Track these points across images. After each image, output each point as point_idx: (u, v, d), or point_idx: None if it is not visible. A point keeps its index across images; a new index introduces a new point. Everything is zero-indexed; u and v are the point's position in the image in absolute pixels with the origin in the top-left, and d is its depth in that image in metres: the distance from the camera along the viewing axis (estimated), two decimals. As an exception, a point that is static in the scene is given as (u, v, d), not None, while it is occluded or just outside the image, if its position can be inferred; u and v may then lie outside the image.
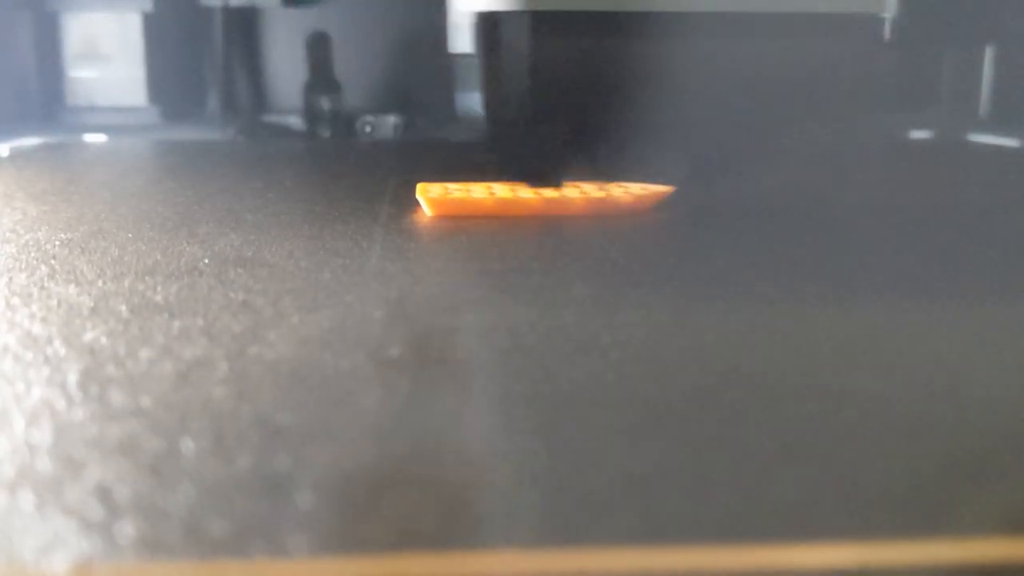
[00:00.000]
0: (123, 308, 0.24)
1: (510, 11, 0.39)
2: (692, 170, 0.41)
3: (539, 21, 0.39)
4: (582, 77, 0.39)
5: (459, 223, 0.36)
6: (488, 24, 0.41)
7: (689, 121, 0.40)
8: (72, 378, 0.19)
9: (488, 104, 0.43)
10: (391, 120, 0.72)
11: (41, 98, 0.73)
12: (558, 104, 0.40)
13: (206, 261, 0.29)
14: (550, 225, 0.36)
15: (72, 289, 0.26)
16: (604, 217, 0.38)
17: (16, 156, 0.56)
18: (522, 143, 0.41)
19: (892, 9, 0.42)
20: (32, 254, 0.30)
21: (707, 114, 0.40)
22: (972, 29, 0.73)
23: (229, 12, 0.75)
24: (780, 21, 0.40)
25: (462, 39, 0.52)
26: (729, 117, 0.41)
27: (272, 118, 0.75)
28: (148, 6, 0.72)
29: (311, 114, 0.73)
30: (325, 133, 0.72)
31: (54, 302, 0.25)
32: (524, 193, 0.38)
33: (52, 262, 0.29)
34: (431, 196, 0.38)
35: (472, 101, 0.53)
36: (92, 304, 0.24)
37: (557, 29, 0.39)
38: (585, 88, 0.40)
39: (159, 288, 0.26)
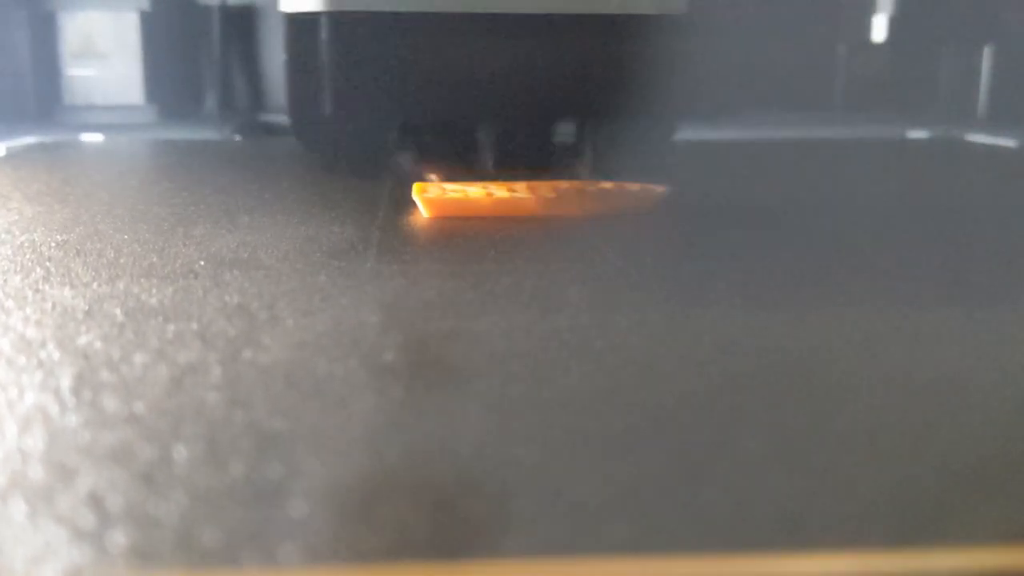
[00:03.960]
0: (117, 311, 0.24)
1: (314, 12, 0.41)
2: (504, 166, 0.42)
3: (342, 22, 0.40)
4: (389, 76, 0.40)
5: (456, 224, 0.36)
6: (294, 25, 0.42)
7: (497, 119, 0.41)
8: (65, 383, 0.19)
9: (295, 100, 0.44)
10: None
11: (37, 97, 0.73)
12: (366, 102, 0.41)
13: (202, 263, 0.29)
14: (547, 226, 0.36)
15: (67, 292, 0.26)
16: (602, 218, 0.38)
17: (12, 155, 0.56)
18: (332, 139, 0.42)
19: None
20: (27, 256, 0.30)
21: (516, 112, 0.41)
22: (970, 28, 0.73)
23: (227, 11, 0.74)
24: (584, 22, 0.41)
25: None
26: (539, 115, 0.42)
27: (269, 117, 0.75)
28: (145, 5, 0.72)
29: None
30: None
31: (48, 305, 0.25)
32: (521, 194, 0.38)
33: (47, 264, 0.29)
34: (428, 197, 0.38)
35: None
36: (87, 307, 0.24)
37: (360, 30, 0.40)
38: (392, 88, 0.41)
39: (154, 291, 0.26)
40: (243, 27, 0.77)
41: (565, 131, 0.44)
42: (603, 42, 0.40)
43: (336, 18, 0.40)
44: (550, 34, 0.40)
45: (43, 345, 0.22)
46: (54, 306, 0.25)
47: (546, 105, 0.41)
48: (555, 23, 0.40)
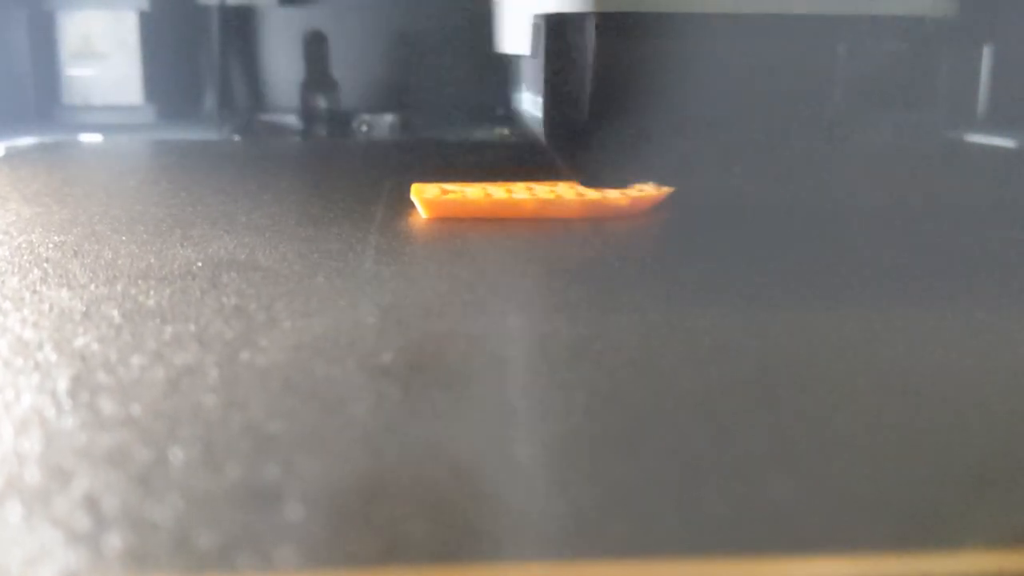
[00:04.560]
0: (115, 313, 0.24)
1: (577, 13, 0.40)
2: (739, 173, 0.41)
3: (606, 23, 0.40)
4: (647, 79, 0.40)
5: (454, 225, 0.36)
6: (553, 25, 0.42)
7: (751, 124, 0.41)
8: (62, 385, 0.19)
9: (551, 105, 0.43)
10: (388, 119, 0.72)
11: (37, 97, 0.73)
12: (623, 106, 0.40)
13: (199, 264, 0.29)
14: (546, 227, 0.36)
15: (64, 293, 0.26)
16: (600, 219, 0.38)
17: (11, 156, 0.56)
18: (586, 145, 0.41)
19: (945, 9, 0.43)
20: (25, 257, 0.30)
21: (771, 117, 0.41)
22: (970, 28, 0.73)
23: (226, 11, 0.74)
24: (841, 24, 0.40)
25: (511, 39, 0.52)
26: (788, 121, 0.41)
27: (268, 117, 0.75)
28: (144, 5, 0.72)
29: (307, 113, 0.73)
30: (321, 132, 0.72)
31: (46, 306, 0.25)
32: (520, 195, 0.38)
33: (45, 265, 0.29)
34: (426, 198, 0.38)
35: (525, 102, 0.54)
36: (84, 309, 0.24)
37: (624, 31, 0.39)
38: (650, 90, 0.40)
39: (151, 292, 0.26)
40: (243, 27, 0.77)
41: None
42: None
43: (600, 19, 0.39)
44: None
45: (40, 347, 0.22)
46: (51, 307, 0.25)
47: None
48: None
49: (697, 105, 0.40)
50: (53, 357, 0.21)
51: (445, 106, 0.76)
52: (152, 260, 0.30)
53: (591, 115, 0.40)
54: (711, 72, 0.39)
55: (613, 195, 0.39)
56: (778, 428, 0.18)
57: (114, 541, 0.13)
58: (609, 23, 0.39)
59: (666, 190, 0.40)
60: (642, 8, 0.39)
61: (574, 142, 0.41)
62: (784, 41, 0.40)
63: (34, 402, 0.18)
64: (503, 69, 0.68)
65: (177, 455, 0.16)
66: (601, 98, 0.40)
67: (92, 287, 0.26)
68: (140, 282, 0.27)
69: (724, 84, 0.40)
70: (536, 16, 0.44)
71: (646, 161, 0.41)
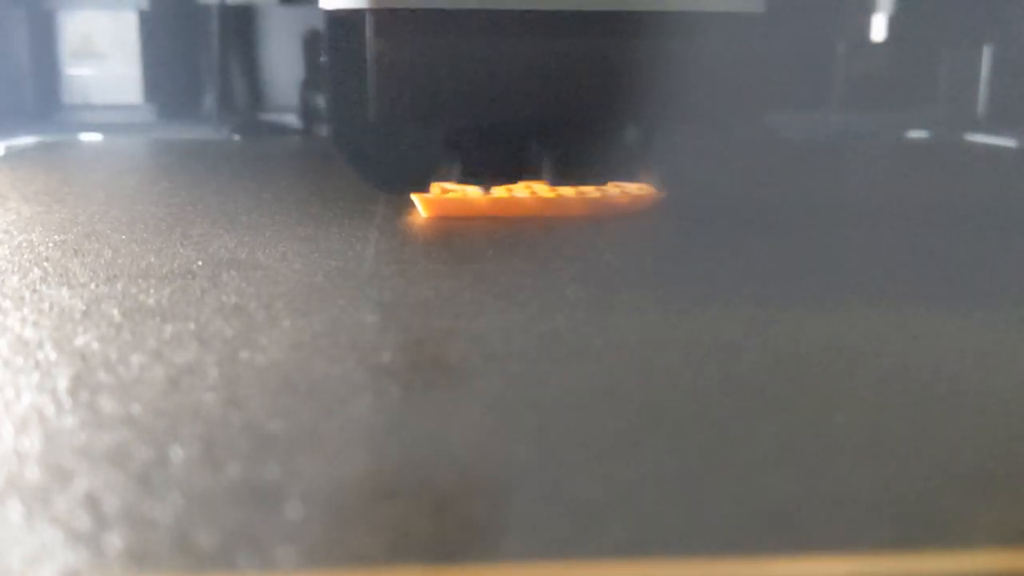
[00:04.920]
0: (115, 312, 0.24)
1: (354, 8, 0.39)
2: (557, 172, 0.40)
3: (383, 20, 0.38)
4: (434, 78, 0.38)
5: (454, 224, 0.36)
6: (335, 24, 0.40)
7: (548, 121, 0.40)
8: (62, 384, 0.19)
9: (336, 106, 0.42)
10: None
11: (37, 96, 0.73)
12: (407, 106, 0.39)
13: (199, 263, 0.29)
14: (546, 226, 0.36)
15: (64, 292, 0.26)
16: (600, 218, 0.38)
17: (11, 155, 0.56)
18: (370, 145, 0.40)
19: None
20: (25, 256, 0.30)
21: (570, 113, 0.40)
22: (970, 28, 0.73)
23: (226, 10, 0.74)
24: (653, 20, 0.39)
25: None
26: (598, 116, 0.40)
27: (269, 116, 0.75)
28: (144, 5, 0.72)
29: (308, 112, 0.73)
30: (321, 132, 0.72)
31: (46, 305, 0.25)
32: (520, 194, 0.38)
33: (45, 264, 0.29)
34: (426, 197, 0.38)
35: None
36: (84, 308, 0.24)
37: (402, 29, 0.38)
38: (439, 90, 0.39)
39: (152, 291, 0.26)
40: (243, 27, 0.77)
41: (627, 137, 0.42)
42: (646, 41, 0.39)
43: (383, 16, 0.38)
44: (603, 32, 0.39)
45: (40, 346, 0.21)
46: (51, 306, 0.25)
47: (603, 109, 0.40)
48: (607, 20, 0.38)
49: (491, 104, 0.39)
50: (53, 356, 0.21)
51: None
52: (152, 259, 0.30)
53: (375, 115, 0.39)
54: (503, 69, 0.38)
55: (613, 193, 0.39)
56: (778, 427, 0.18)
57: (114, 540, 0.13)
58: (388, 20, 0.38)
59: (665, 189, 0.40)
60: (422, 4, 0.38)
61: (359, 143, 0.40)
62: (584, 37, 0.39)
63: (34, 401, 0.18)
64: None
65: (177, 454, 0.16)
66: (385, 97, 0.39)
67: (92, 286, 0.26)
68: (140, 281, 0.27)
69: (517, 82, 0.39)
70: (322, 13, 0.42)
71: (436, 162, 0.41)
